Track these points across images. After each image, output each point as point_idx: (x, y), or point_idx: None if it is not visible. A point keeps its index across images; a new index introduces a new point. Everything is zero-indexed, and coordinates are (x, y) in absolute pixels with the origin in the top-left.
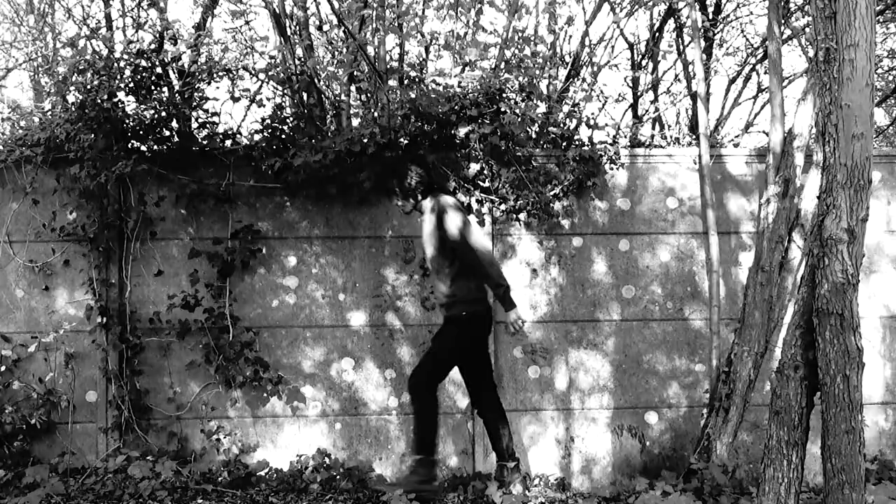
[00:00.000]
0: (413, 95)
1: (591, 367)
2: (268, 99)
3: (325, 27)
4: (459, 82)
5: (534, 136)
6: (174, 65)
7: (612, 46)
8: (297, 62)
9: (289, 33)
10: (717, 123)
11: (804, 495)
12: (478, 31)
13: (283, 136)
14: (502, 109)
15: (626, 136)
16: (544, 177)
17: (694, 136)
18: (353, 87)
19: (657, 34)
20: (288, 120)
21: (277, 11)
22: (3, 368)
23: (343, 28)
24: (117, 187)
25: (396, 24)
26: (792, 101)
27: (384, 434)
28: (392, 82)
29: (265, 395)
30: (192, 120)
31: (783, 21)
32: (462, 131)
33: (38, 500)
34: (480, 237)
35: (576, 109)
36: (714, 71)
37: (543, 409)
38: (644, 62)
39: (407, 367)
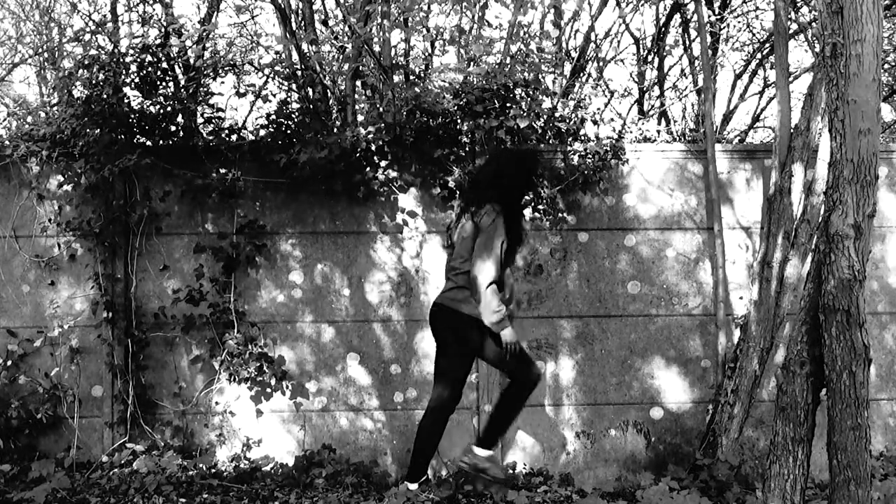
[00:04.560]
0: (418, 91)
1: (595, 362)
2: (273, 94)
3: (331, 22)
4: (465, 77)
5: (539, 131)
6: (179, 60)
7: (618, 41)
8: (301, 57)
9: (294, 28)
10: (723, 119)
11: (810, 491)
12: (483, 25)
13: (289, 132)
14: (507, 105)
15: (631, 132)
16: (550, 172)
17: (700, 132)
18: (358, 83)
19: (663, 29)
20: (293, 115)
21: (282, 6)
22: (9, 363)
23: (347, 23)
24: (122, 182)
25: (401, 20)
26: (798, 96)
27: (389, 429)
28: (397, 78)
29: (270, 389)
30: (198, 115)
31: (790, 16)
32: (467, 126)
33: (44, 494)
34: None
35: (581, 104)
36: (720, 66)
37: (548, 404)
38: (650, 57)
39: (413, 363)
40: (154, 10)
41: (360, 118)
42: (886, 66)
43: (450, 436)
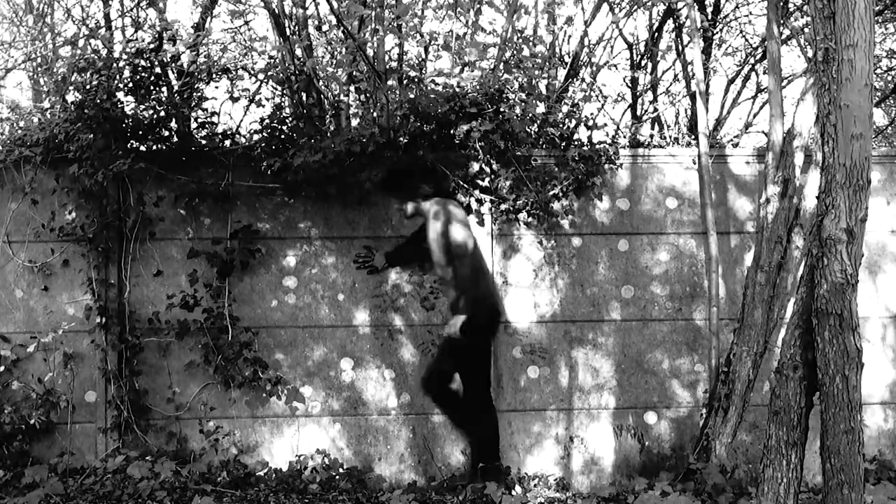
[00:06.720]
0: (412, 95)
1: (590, 366)
2: (267, 99)
3: (325, 27)
4: (458, 82)
5: (533, 135)
6: (173, 65)
7: (612, 46)
8: (296, 62)
9: (288, 33)
10: (717, 123)
11: (803, 495)
12: (477, 31)
13: (283, 136)
14: (501, 109)
15: (625, 136)
16: (544, 176)
17: (693, 136)
18: (352, 87)
19: (656, 34)
20: (287, 120)
21: (276, 11)
22: (2, 369)
23: (342, 28)
24: (116, 187)
25: (395, 25)
26: (791, 101)
27: (384, 434)
28: (391, 82)
29: (264, 395)
30: (192, 120)
31: (782, 21)
32: (462, 130)
33: (38, 500)
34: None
35: (575, 109)
36: (713, 71)
37: (543, 409)
38: (643, 62)
39: (407, 367)
40: (147, 14)
41: (355, 122)
42: (878, 70)
43: (446, 438)
